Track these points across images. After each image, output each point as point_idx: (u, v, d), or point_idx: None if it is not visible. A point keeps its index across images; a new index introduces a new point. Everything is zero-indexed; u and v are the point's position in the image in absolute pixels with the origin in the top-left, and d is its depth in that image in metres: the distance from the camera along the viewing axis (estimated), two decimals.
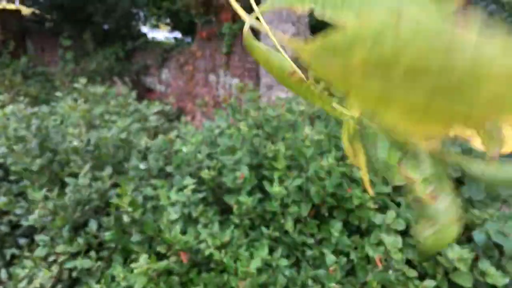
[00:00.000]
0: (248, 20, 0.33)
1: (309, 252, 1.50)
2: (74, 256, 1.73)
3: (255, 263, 1.41)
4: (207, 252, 1.50)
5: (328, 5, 0.25)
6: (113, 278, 1.55)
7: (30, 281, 1.66)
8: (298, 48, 0.24)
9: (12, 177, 2.20)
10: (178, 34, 8.08)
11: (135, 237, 1.69)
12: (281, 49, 0.47)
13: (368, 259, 1.45)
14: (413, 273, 1.36)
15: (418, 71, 0.20)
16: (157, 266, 1.49)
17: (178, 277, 1.54)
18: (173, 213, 1.69)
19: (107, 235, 1.69)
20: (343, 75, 0.22)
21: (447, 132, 0.22)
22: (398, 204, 1.65)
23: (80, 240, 1.75)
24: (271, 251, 1.52)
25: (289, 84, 0.31)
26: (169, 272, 1.56)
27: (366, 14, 0.23)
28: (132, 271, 1.53)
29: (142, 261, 1.50)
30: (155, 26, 8.31)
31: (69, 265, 1.66)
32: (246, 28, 0.33)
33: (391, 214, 1.48)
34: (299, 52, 0.24)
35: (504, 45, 0.19)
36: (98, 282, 1.59)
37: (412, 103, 0.21)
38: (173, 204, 1.75)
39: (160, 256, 1.58)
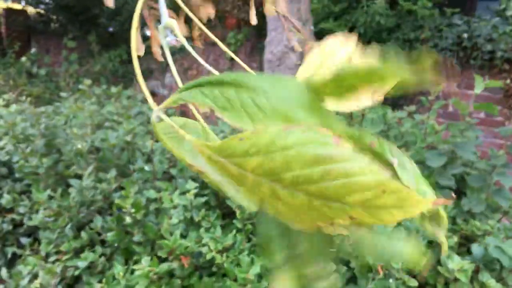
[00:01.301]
0: (156, 110, 0.35)
1: None
2: (77, 253, 1.74)
3: (255, 269, 1.42)
4: (208, 256, 1.51)
5: (227, 109, 0.29)
6: (114, 277, 1.56)
7: (32, 279, 1.67)
8: (201, 148, 0.28)
9: (16, 175, 2.21)
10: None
11: (137, 238, 1.70)
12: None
13: (369, 268, 1.46)
14: (413, 282, 1.37)
15: (301, 180, 0.25)
16: (158, 269, 1.50)
17: (180, 280, 1.54)
18: (174, 218, 1.70)
19: (109, 235, 1.71)
20: (238, 176, 0.27)
21: (325, 226, 0.27)
22: None
23: (84, 235, 1.76)
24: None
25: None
26: (171, 275, 1.57)
27: (261, 125, 0.27)
28: (133, 272, 1.54)
29: (144, 263, 1.51)
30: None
31: (71, 263, 1.67)
32: (153, 119, 0.35)
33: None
34: (201, 151, 0.28)
35: (370, 161, 0.24)
36: (99, 281, 1.60)
37: (295, 204, 0.26)
38: (175, 207, 1.77)
39: (162, 259, 1.59)
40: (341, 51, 0.38)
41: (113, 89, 3.28)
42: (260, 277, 1.46)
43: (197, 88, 0.32)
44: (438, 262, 1.47)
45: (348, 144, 0.24)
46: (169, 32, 0.43)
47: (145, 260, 1.51)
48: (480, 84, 1.86)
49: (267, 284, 1.44)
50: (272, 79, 0.29)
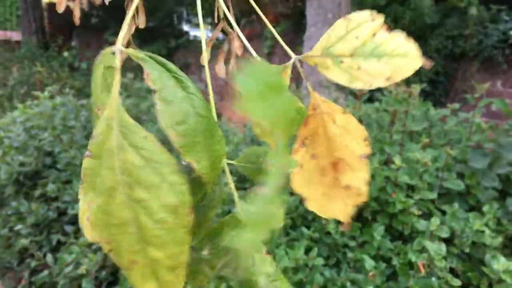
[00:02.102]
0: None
1: (350, 255, 1.50)
2: None
3: (283, 263, 1.42)
4: None
5: None
6: None
7: (76, 266, 1.73)
8: None
9: (60, 165, 2.28)
10: (219, 34, 8.16)
11: None
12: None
13: (410, 265, 1.43)
14: (457, 282, 1.34)
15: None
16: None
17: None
18: None
19: None
20: None
21: None
22: (443, 212, 1.62)
23: None
24: (309, 251, 1.53)
25: None
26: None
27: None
28: None
29: None
30: (197, 25, 8.42)
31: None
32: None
33: (435, 221, 1.46)
34: None
35: None
36: None
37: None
38: None
39: None
40: (366, 25, 0.37)
41: (145, 84, 3.32)
42: (296, 270, 1.46)
43: (161, 66, 0.33)
44: (482, 263, 1.43)
45: (188, 220, 0.28)
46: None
47: None
48: None
49: (303, 276, 1.43)
50: (211, 114, 0.34)
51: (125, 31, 0.33)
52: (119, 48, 0.32)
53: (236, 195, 0.38)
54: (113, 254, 0.29)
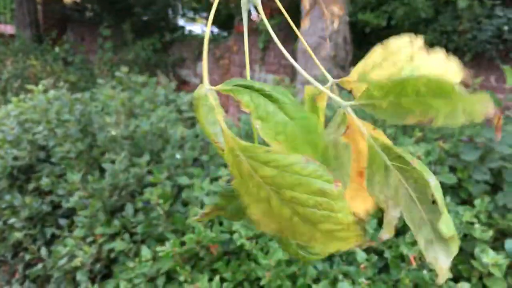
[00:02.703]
0: (206, 86, 0.37)
1: None
2: (112, 237, 1.79)
3: (277, 256, 1.43)
4: (238, 243, 1.53)
5: (263, 120, 0.36)
6: (146, 259, 1.60)
7: (70, 259, 1.73)
8: (229, 138, 0.34)
9: (54, 159, 2.28)
10: (214, 28, 8.14)
11: (166, 228, 1.74)
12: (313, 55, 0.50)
13: (402, 258, 1.45)
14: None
15: (296, 200, 0.32)
16: (181, 249, 1.54)
17: (208, 263, 1.57)
18: (200, 210, 1.72)
19: (139, 228, 1.75)
20: (246, 174, 0.33)
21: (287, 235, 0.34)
22: None
23: (117, 223, 1.81)
24: None
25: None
26: (198, 257, 1.60)
27: (284, 147, 0.36)
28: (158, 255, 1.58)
29: (168, 245, 1.54)
30: (193, 20, 8.39)
31: (107, 246, 1.72)
32: (199, 91, 0.37)
33: None
34: (227, 141, 0.34)
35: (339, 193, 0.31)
36: (133, 261, 1.64)
37: (278, 213, 0.33)
38: (207, 194, 1.79)
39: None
40: (404, 50, 0.38)
41: (140, 78, 3.31)
42: (289, 262, 1.47)
43: (248, 89, 0.36)
44: (472, 256, 1.44)
45: (341, 188, 0.31)
46: (252, 6, 0.46)
47: (170, 243, 1.54)
48: (511, 76, 1.80)
49: (296, 269, 1.45)
50: (303, 113, 0.36)
51: (206, 73, 0.38)
52: (209, 88, 0.37)
53: None
54: (292, 238, 0.35)
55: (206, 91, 0.37)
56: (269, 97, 0.36)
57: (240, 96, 0.36)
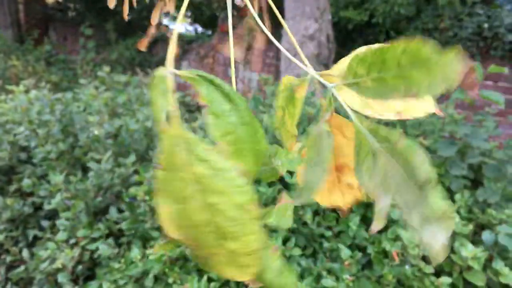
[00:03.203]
0: (170, 68, 0.36)
1: (326, 244, 1.52)
2: (95, 240, 1.77)
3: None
4: None
5: (216, 117, 0.36)
6: (132, 261, 1.59)
7: (52, 262, 1.71)
8: (169, 127, 0.33)
9: (35, 160, 2.25)
10: (198, 27, 8.11)
11: (152, 224, 1.73)
12: (299, 49, 0.51)
13: (385, 254, 1.46)
14: (429, 269, 1.37)
15: (217, 207, 0.32)
16: (171, 253, 1.53)
17: (195, 263, 1.57)
18: None
19: (123, 224, 1.74)
20: (179, 164, 0.32)
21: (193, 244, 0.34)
22: None
23: (101, 226, 1.79)
24: (287, 241, 1.54)
25: None
26: (185, 258, 1.60)
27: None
28: (147, 256, 1.57)
29: (157, 248, 1.53)
30: (176, 19, 8.34)
31: (91, 247, 1.71)
32: (161, 72, 0.37)
33: None
34: (165, 130, 0.33)
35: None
36: (118, 263, 1.63)
37: (195, 215, 0.33)
38: None
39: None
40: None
41: (123, 78, 3.28)
42: None
43: (208, 82, 0.36)
44: (452, 250, 1.46)
45: (256, 213, 0.32)
46: None
47: (158, 245, 1.53)
48: (480, 72, 1.82)
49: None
50: (254, 122, 0.37)
51: (173, 55, 0.36)
52: (171, 71, 0.36)
53: None
54: (194, 248, 0.34)
55: (167, 73, 0.36)
56: (227, 95, 0.36)
57: (199, 87, 0.36)
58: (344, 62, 0.41)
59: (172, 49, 0.37)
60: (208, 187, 0.32)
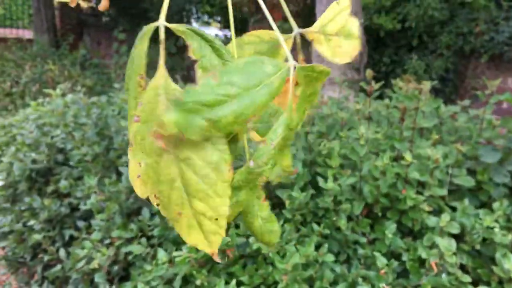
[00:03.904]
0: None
1: (360, 251, 1.50)
2: (129, 240, 1.80)
3: (294, 259, 1.43)
4: (255, 246, 1.53)
5: (204, 69, 0.37)
6: (161, 263, 1.61)
7: (88, 261, 1.75)
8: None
9: (72, 162, 2.30)
10: (228, 32, 8.17)
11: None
12: (281, 37, 0.52)
13: (420, 262, 1.43)
14: (467, 278, 1.34)
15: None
16: (197, 255, 1.54)
17: (224, 266, 1.58)
18: None
19: (155, 231, 1.76)
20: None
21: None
22: (453, 208, 1.62)
23: (134, 227, 1.82)
24: (319, 247, 1.53)
25: None
26: (214, 261, 1.61)
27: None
28: (174, 259, 1.58)
29: (184, 250, 1.55)
30: (207, 23, 8.44)
31: (124, 249, 1.74)
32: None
33: (445, 217, 1.46)
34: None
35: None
36: (150, 264, 1.65)
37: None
38: None
39: None
40: (344, 12, 0.45)
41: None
42: (306, 266, 1.47)
43: (199, 37, 0.37)
44: (493, 260, 1.43)
45: (231, 176, 0.33)
46: None
47: (185, 247, 1.55)
48: None
49: (313, 272, 1.44)
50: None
51: (166, 7, 0.38)
52: (163, 23, 0.37)
53: (248, 151, 0.43)
54: (161, 207, 0.34)
55: (159, 24, 0.37)
56: (217, 50, 0.37)
57: (190, 41, 0.37)
58: (320, 20, 0.46)
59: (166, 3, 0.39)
60: (183, 139, 0.31)
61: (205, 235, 0.33)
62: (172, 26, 0.37)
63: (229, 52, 0.38)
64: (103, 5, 0.50)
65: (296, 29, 0.46)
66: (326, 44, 0.44)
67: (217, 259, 0.36)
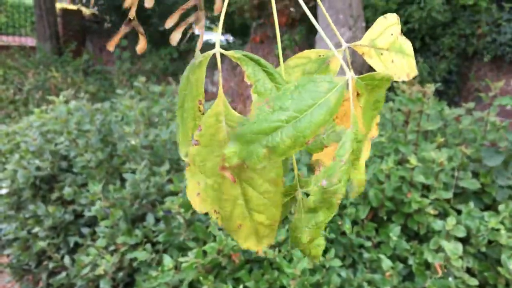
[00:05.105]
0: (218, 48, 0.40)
1: (366, 255, 1.49)
2: (134, 246, 1.80)
3: (302, 265, 1.42)
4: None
5: (260, 94, 0.38)
6: (167, 269, 1.60)
7: (93, 268, 1.74)
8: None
9: (75, 169, 2.31)
10: (230, 37, 8.18)
11: (187, 237, 1.74)
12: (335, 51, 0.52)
13: (426, 265, 1.43)
14: (473, 281, 1.33)
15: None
16: (204, 261, 1.54)
17: (230, 272, 1.57)
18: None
19: (160, 237, 1.76)
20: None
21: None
22: (458, 211, 1.61)
23: (138, 233, 1.82)
24: (326, 252, 1.53)
25: None
26: (220, 266, 1.60)
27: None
28: (181, 264, 1.58)
29: (191, 256, 1.55)
30: (209, 29, 8.46)
31: (129, 256, 1.73)
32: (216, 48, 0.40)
33: (451, 220, 1.45)
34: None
35: None
36: (156, 270, 1.65)
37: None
38: None
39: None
40: (393, 28, 0.46)
41: (157, 88, 3.33)
42: (313, 271, 1.46)
43: (253, 62, 0.38)
44: (499, 262, 1.42)
45: (282, 185, 0.36)
46: None
47: (192, 253, 1.54)
48: None
49: (320, 277, 1.44)
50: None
51: (220, 34, 0.41)
52: (219, 50, 0.39)
53: (294, 161, 0.46)
54: (221, 221, 0.37)
55: (217, 52, 0.39)
56: (270, 75, 0.38)
57: (245, 66, 0.38)
58: (369, 35, 0.47)
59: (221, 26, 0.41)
60: (247, 166, 0.33)
61: (259, 239, 0.37)
62: (228, 53, 0.38)
63: (281, 75, 0.39)
64: (141, 47, 0.51)
65: (345, 44, 0.46)
66: (378, 58, 0.45)
67: (260, 252, 0.39)
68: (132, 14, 0.63)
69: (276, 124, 0.32)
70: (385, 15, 0.47)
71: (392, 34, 0.46)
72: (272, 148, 0.32)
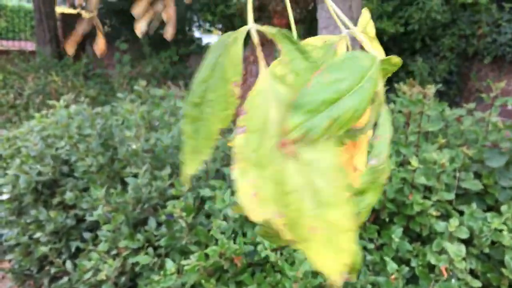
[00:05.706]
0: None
1: (368, 257, 1.49)
2: (136, 251, 1.80)
3: (304, 267, 1.42)
4: (263, 254, 1.52)
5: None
6: (169, 273, 1.60)
7: (95, 273, 1.74)
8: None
9: (77, 174, 2.30)
10: None
11: (190, 240, 1.74)
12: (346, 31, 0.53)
13: (430, 267, 1.42)
14: (477, 283, 1.33)
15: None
16: (206, 263, 1.53)
17: (233, 275, 1.57)
18: (223, 222, 1.71)
19: (162, 241, 1.76)
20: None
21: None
22: (461, 212, 1.61)
23: (140, 237, 1.82)
24: None
25: None
26: (223, 270, 1.60)
27: None
28: (183, 267, 1.58)
29: (193, 259, 1.54)
30: (209, 31, 8.47)
31: (131, 260, 1.73)
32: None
33: (454, 221, 1.45)
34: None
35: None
36: (158, 275, 1.64)
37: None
38: (228, 206, 1.79)
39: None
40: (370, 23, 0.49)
41: (158, 92, 3.32)
42: (316, 273, 1.46)
43: (289, 40, 0.35)
44: (502, 263, 1.41)
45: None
46: None
47: (194, 256, 1.54)
48: None
49: (322, 280, 1.43)
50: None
51: (251, 12, 0.37)
52: (255, 26, 0.36)
53: None
54: (288, 227, 0.29)
55: (250, 27, 0.36)
56: (304, 53, 0.35)
57: (281, 44, 0.35)
58: (360, 23, 0.49)
59: (250, 6, 0.38)
60: (306, 143, 0.29)
61: (338, 254, 0.29)
62: (263, 28, 0.36)
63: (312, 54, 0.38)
64: (100, 47, 0.50)
65: (345, 30, 0.47)
66: (371, 44, 0.45)
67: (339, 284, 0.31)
68: (92, 8, 0.61)
69: (335, 95, 0.30)
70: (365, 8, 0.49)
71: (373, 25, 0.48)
72: (334, 119, 0.29)
